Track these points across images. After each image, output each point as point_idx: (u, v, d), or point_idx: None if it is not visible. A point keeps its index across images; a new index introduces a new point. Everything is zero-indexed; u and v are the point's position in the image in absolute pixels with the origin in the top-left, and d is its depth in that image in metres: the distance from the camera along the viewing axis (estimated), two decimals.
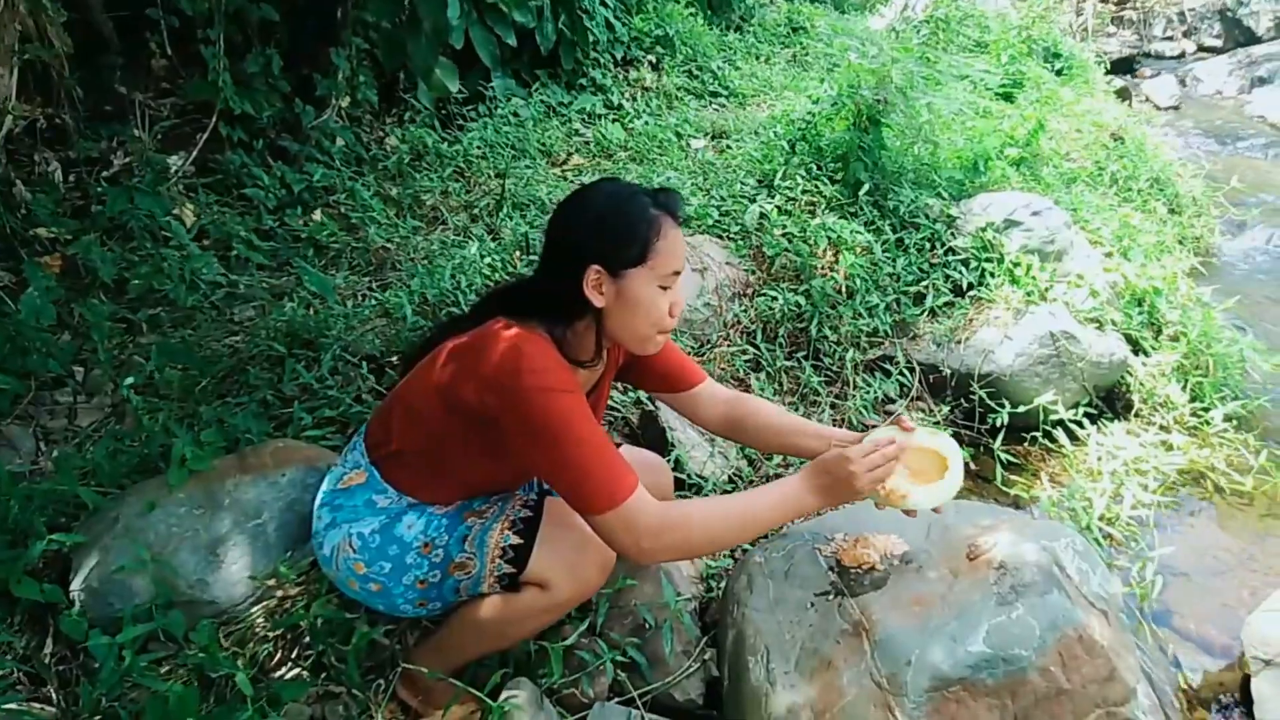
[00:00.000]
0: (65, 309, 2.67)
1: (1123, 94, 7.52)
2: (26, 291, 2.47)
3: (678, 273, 1.56)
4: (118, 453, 2.15)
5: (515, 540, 1.59)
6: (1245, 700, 2.11)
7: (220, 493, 1.94)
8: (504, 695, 1.70)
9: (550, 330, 1.54)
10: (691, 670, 1.86)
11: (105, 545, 1.83)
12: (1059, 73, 6.83)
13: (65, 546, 1.85)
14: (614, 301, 1.54)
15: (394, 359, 2.59)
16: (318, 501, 1.73)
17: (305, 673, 1.79)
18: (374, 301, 2.90)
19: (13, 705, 1.59)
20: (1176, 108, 8.17)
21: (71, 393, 2.47)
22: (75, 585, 1.80)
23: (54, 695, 1.70)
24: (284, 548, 1.90)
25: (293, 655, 1.82)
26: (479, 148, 4.13)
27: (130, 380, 2.41)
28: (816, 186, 3.61)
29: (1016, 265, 3.28)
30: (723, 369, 2.94)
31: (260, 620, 1.84)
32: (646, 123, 4.62)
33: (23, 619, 1.80)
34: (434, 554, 1.61)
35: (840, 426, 2.88)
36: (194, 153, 3.46)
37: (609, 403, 2.64)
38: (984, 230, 3.36)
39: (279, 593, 1.88)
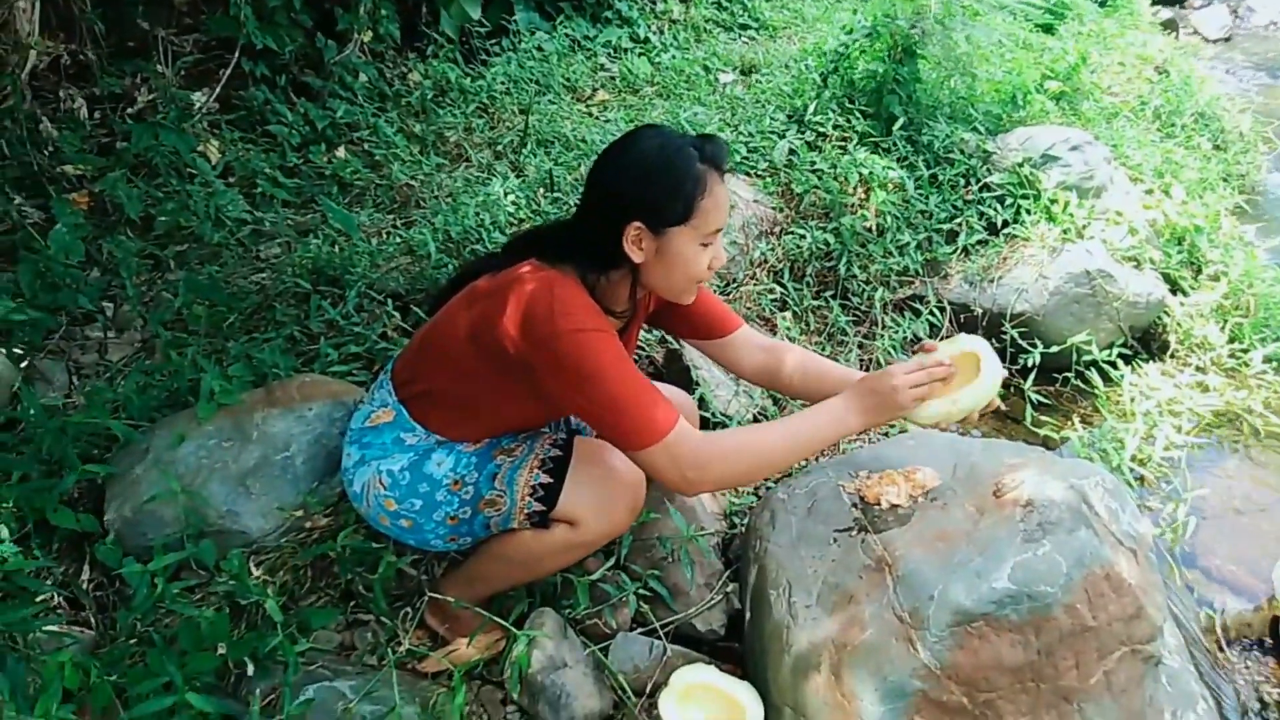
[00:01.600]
0: (93, 245, 2.70)
1: (1169, 25, 7.22)
2: (55, 228, 2.49)
3: (720, 230, 1.53)
4: (147, 387, 2.17)
5: (545, 479, 1.59)
6: (1274, 641, 2.09)
7: (249, 426, 1.96)
8: (528, 624, 1.73)
9: (583, 275, 1.52)
10: (714, 602, 1.87)
11: (137, 476, 1.86)
12: (1102, 4, 6.56)
13: (99, 477, 1.89)
14: (653, 257, 1.51)
15: (419, 296, 2.59)
16: (346, 438, 1.75)
17: (334, 601, 1.83)
18: (398, 239, 2.89)
19: (54, 628, 1.64)
20: (1227, 39, 7.84)
21: (102, 328, 2.50)
22: (109, 515, 1.84)
23: (92, 619, 1.76)
24: (311, 480, 1.93)
25: (321, 584, 1.85)
26: (503, 83, 4.06)
27: (160, 316, 2.43)
28: (848, 121, 3.51)
29: (1053, 202, 3.19)
30: (749, 308, 2.90)
31: (290, 550, 1.87)
32: (674, 56, 4.51)
33: (61, 546, 1.85)
34: (464, 491, 1.62)
35: (868, 367, 2.86)
36: (217, 89, 3.43)
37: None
38: (1021, 166, 3.27)
39: (307, 524, 1.91)
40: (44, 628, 1.60)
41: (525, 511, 1.60)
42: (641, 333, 2.67)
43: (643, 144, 1.51)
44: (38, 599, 1.71)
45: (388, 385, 1.71)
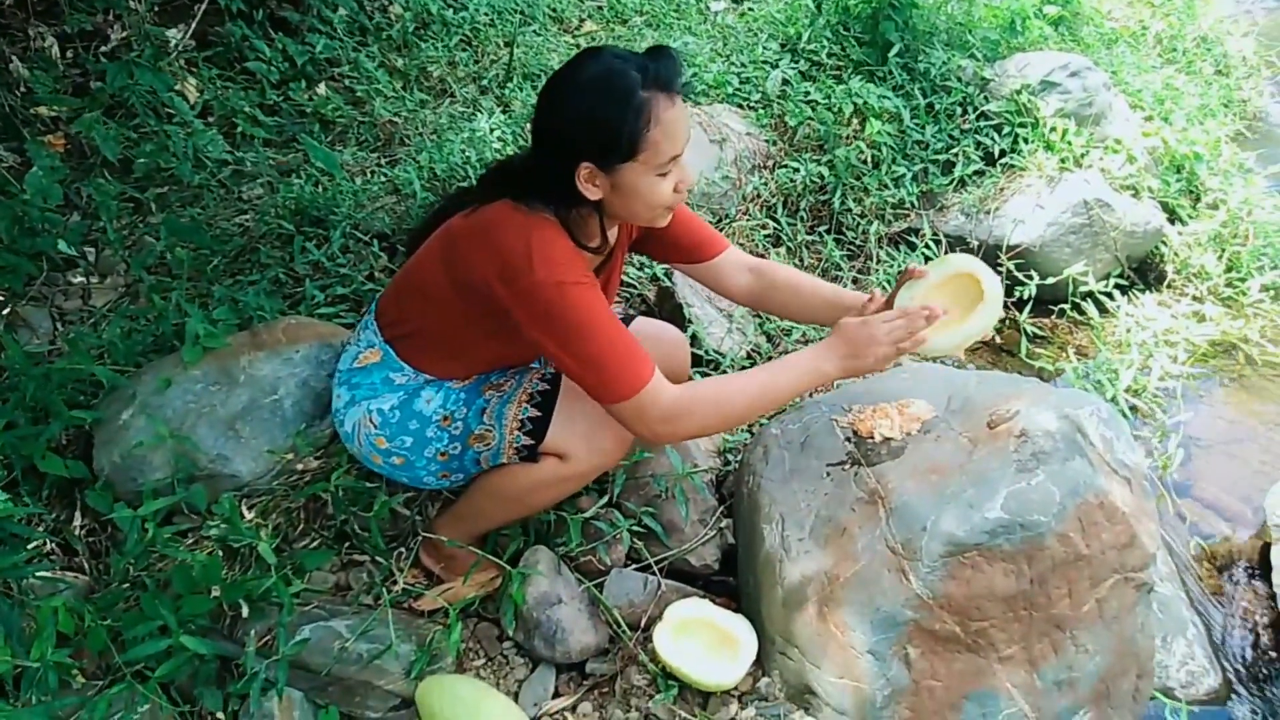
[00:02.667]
0: (71, 189, 2.63)
1: None
2: (31, 171, 2.43)
3: (677, 155, 1.44)
4: (132, 331, 2.14)
5: (533, 413, 1.58)
6: (1264, 568, 2.11)
7: (235, 369, 1.94)
8: (523, 562, 1.73)
9: (558, 213, 1.47)
10: (708, 538, 1.88)
11: (124, 422, 1.84)
12: None
13: (86, 423, 1.87)
14: (610, 193, 1.45)
15: (404, 236, 2.54)
16: (335, 380, 1.73)
17: (328, 542, 1.83)
18: (383, 178, 2.83)
19: (46, 573, 1.64)
20: None
21: (84, 273, 2.46)
22: (98, 461, 1.83)
23: (85, 565, 1.76)
24: (300, 422, 1.91)
25: (315, 526, 1.85)
26: (486, 14, 3.93)
27: (142, 260, 2.39)
28: (843, 49, 3.42)
29: (1052, 130, 3.13)
30: (741, 243, 2.86)
31: (281, 493, 1.86)
32: None
33: (50, 493, 1.84)
34: (453, 426, 1.61)
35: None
36: (193, 25, 3.32)
37: (623, 279, 2.59)
38: (1019, 93, 3.19)
39: (299, 466, 1.90)
40: (37, 573, 1.60)
41: (514, 446, 1.59)
42: (632, 270, 2.63)
43: (581, 77, 1.40)
44: (29, 545, 1.71)
45: (373, 325, 1.68)
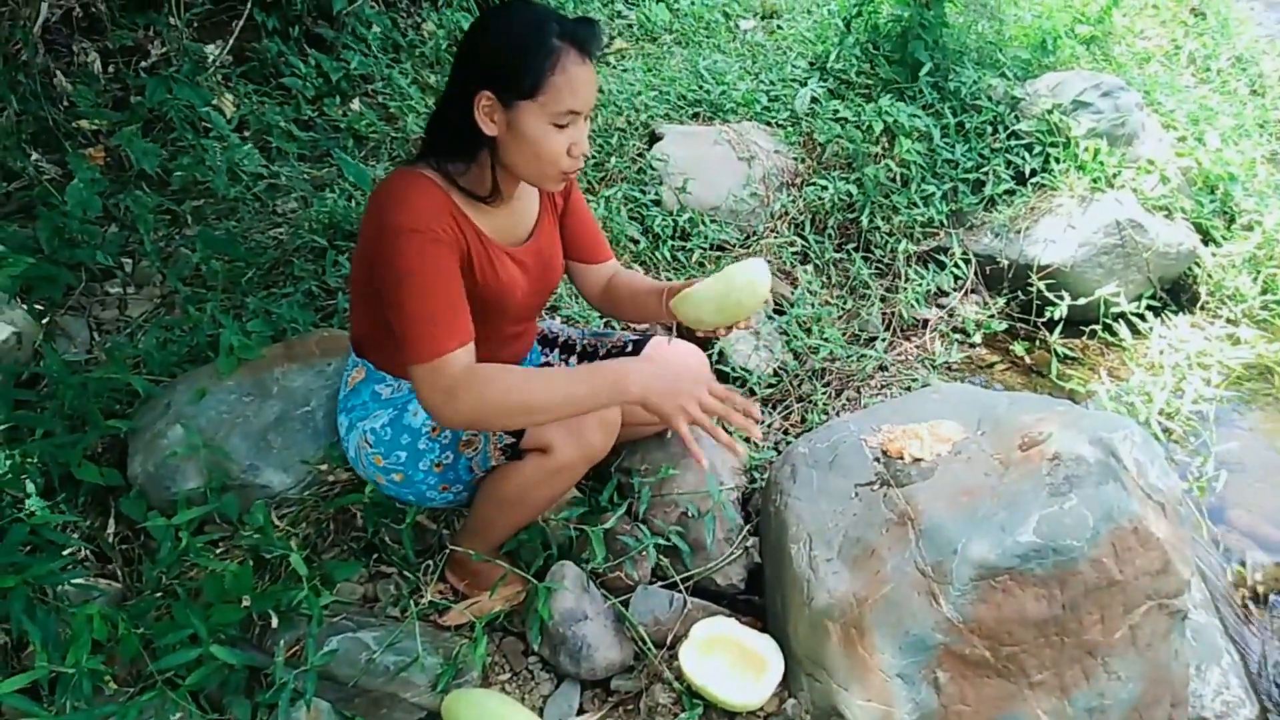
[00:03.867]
0: (110, 201, 2.68)
1: None
2: (72, 183, 2.48)
3: (576, 113, 1.43)
4: (167, 342, 2.18)
5: None
6: None
7: (269, 381, 1.96)
8: (549, 577, 1.73)
9: (444, 166, 1.49)
10: (734, 557, 1.87)
11: (159, 431, 1.87)
12: None
13: (121, 432, 1.90)
14: (505, 133, 1.45)
15: None
16: (338, 409, 1.76)
17: (355, 554, 1.84)
18: None
19: (81, 580, 1.66)
20: None
21: (121, 284, 2.50)
22: (132, 469, 1.86)
23: (119, 572, 1.78)
24: (331, 434, 1.93)
25: (343, 537, 1.86)
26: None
27: (178, 272, 2.43)
28: (872, 68, 3.42)
29: (1084, 150, 3.10)
30: (769, 261, 2.86)
31: (311, 503, 1.88)
32: (693, 3, 4.40)
33: (86, 501, 1.87)
34: (442, 436, 1.62)
35: (891, 321, 2.82)
36: (230, 41, 3.39)
37: None
38: (1050, 112, 3.18)
39: (330, 477, 1.92)
40: (72, 580, 1.63)
41: (498, 446, 1.60)
42: None
43: (504, 12, 1.44)
44: (65, 552, 1.73)
45: (350, 345, 1.72)
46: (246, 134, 3.13)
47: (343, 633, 1.62)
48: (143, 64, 3.24)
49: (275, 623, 1.60)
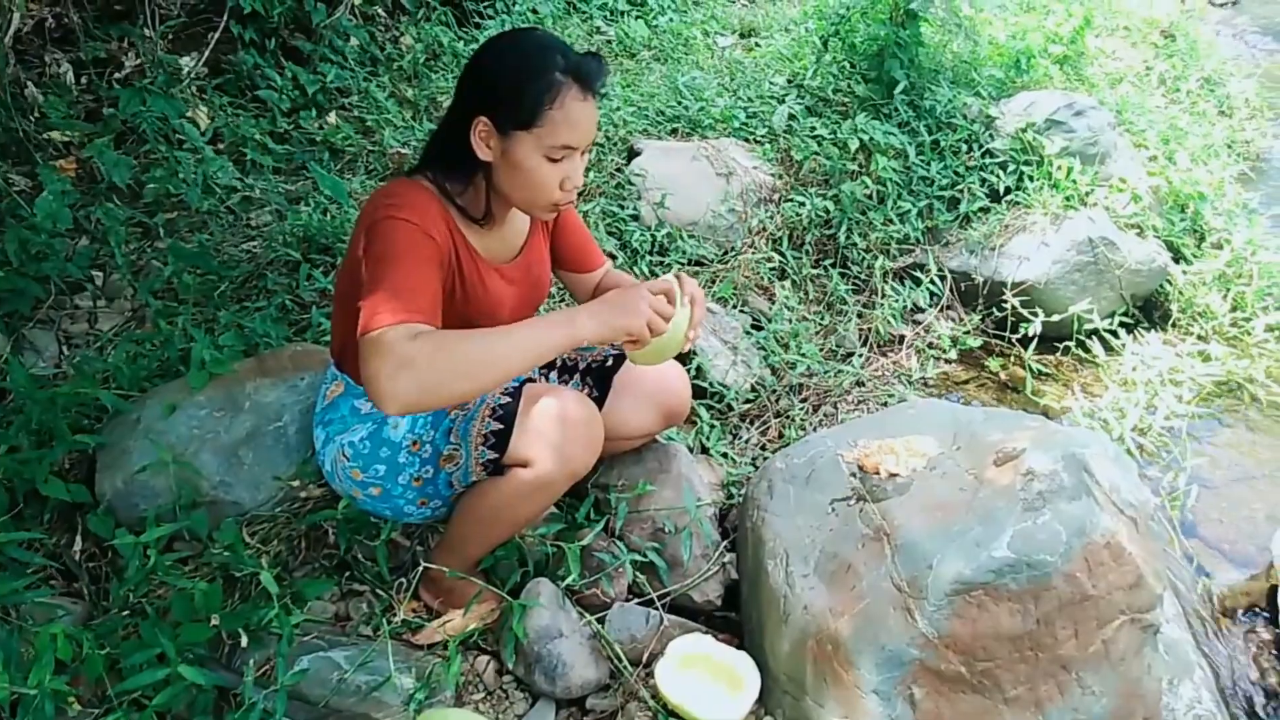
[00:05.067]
0: (81, 213, 2.65)
1: None
2: (42, 196, 2.45)
3: (571, 148, 1.43)
4: (138, 356, 2.15)
5: (496, 426, 1.56)
6: (1272, 610, 2.09)
7: (240, 396, 1.94)
8: (524, 594, 1.71)
9: (441, 181, 1.50)
10: (710, 573, 1.86)
11: (128, 447, 1.84)
12: None
13: (89, 448, 1.87)
14: (499, 160, 1.46)
15: None
16: (313, 422, 1.74)
17: (327, 571, 1.81)
18: None
19: (46, 599, 1.63)
20: (1235, 3, 7.73)
21: (91, 297, 2.46)
22: (100, 486, 1.83)
23: (85, 591, 1.74)
24: (304, 450, 1.91)
25: (315, 554, 1.84)
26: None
27: (149, 285, 2.40)
28: (849, 86, 3.46)
29: (1057, 168, 3.15)
30: (747, 277, 2.87)
31: (283, 520, 1.85)
32: (671, 20, 4.43)
33: (52, 518, 1.84)
34: (423, 450, 1.60)
35: (868, 337, 2.84)
36: (205, 53, 3.37)
37: None
38: (1024, 131, 3.22)
39: (302, 494, 1.90)
40: (36, 599, 1.59)
41: (480, 461, 1.58)
42: None
43: (511, 40, 1.45)
44: (29, 570, 1.70)
45: (330, 358, 1.71)
46: (221, 147, 3.10)
47: (314, 652, 1.60)
48: (116, 75, 3.20)
49: (245, 642, 1.57)
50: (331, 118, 3.39)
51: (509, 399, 1.58)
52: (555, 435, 1.54)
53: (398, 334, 1.28)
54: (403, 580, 1.80)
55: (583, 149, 1.47)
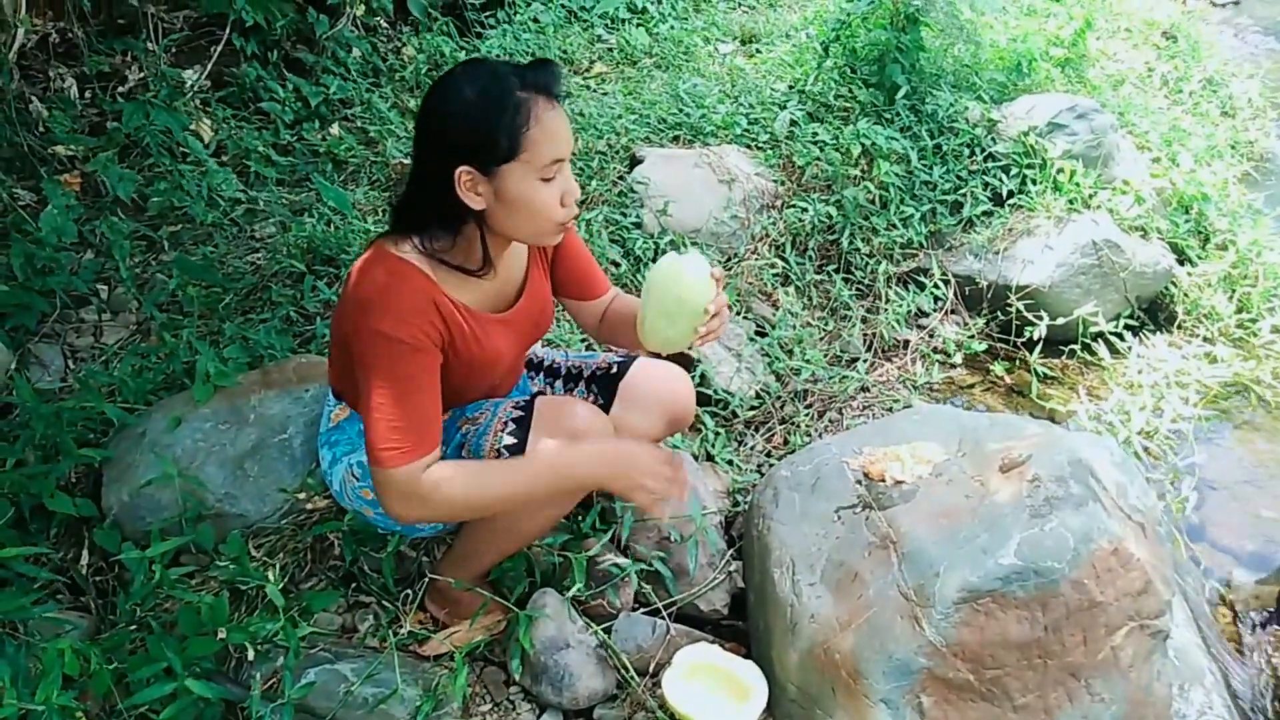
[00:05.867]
0: (86, 227, 2.66)
1: None
2: (46, 210, 2.47)
3: (560, 160, 1.40)
4: (143, 370, 2.16)
5: (509, 440, 1.54)
6: None
7: (245, 408, 1.94)
8: (530, 605, 1.71)
9: (430, 244, 1.45)
10: (716, 582, 1.86)
11: (133, 461, 1.85)
12: None
13: (95, 462, 1.88)
14: (493, 202, 1.40)
15: None
16: (319, 441, 1.74)
17: (333, 583, 1.81)
18: None
19: (53, 614, 1.63)
20: (1236, 3, 7.72)
21: (96, 311, 2.48)
22: (106, 499, 1.83)
23: (92, 605, 1.75)
24: (310, 461, 1.91)
25: (321, 566, 1.84)
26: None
27: (154, 298, 2.40)
28: (850, 91, 3.45)
29: (1059, 171, 3.14)
30: (750, 283, 2.87)
31: (289, 532, 1.86)
32: (673, 27, 4.44)
33: (59, 532, 1.84)
34: None
35: (872, 342, 2.83)
36: (209, 66, 3.38)
37: None
38: (1026, 135, 3.21)
39: (308, 505, 1.90)
40: (43, 614, 1.59)
41: None
42: None
43: (459, 80, 1.38)
44: (36, 585, 1.70)
45: (330, 384, 1.71)
46: (224, 159, 3.12)
47: (320, 664, 1.60)
48: (120, 89, 3.22)
49: (251, 655, 1.57)
50: (334, 129, 3.40)
51: (522, 412, 1.57)
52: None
53: (409, 473, 1.38)
54: (409, 592, 1.80)
55: (568, 157, 1.43)
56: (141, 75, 3.25)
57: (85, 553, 1.82)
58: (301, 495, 1.89)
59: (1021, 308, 2.91)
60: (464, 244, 1.47)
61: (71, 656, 1.44)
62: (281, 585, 1.71)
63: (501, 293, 1.60)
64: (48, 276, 2.37)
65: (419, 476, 1.38)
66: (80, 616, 1.70)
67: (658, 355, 1.78)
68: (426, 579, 1.76)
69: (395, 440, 1.37)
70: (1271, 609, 2.12)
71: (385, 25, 4.06)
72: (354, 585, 1.83)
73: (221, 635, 1.55)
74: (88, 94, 3.18)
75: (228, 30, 3.37)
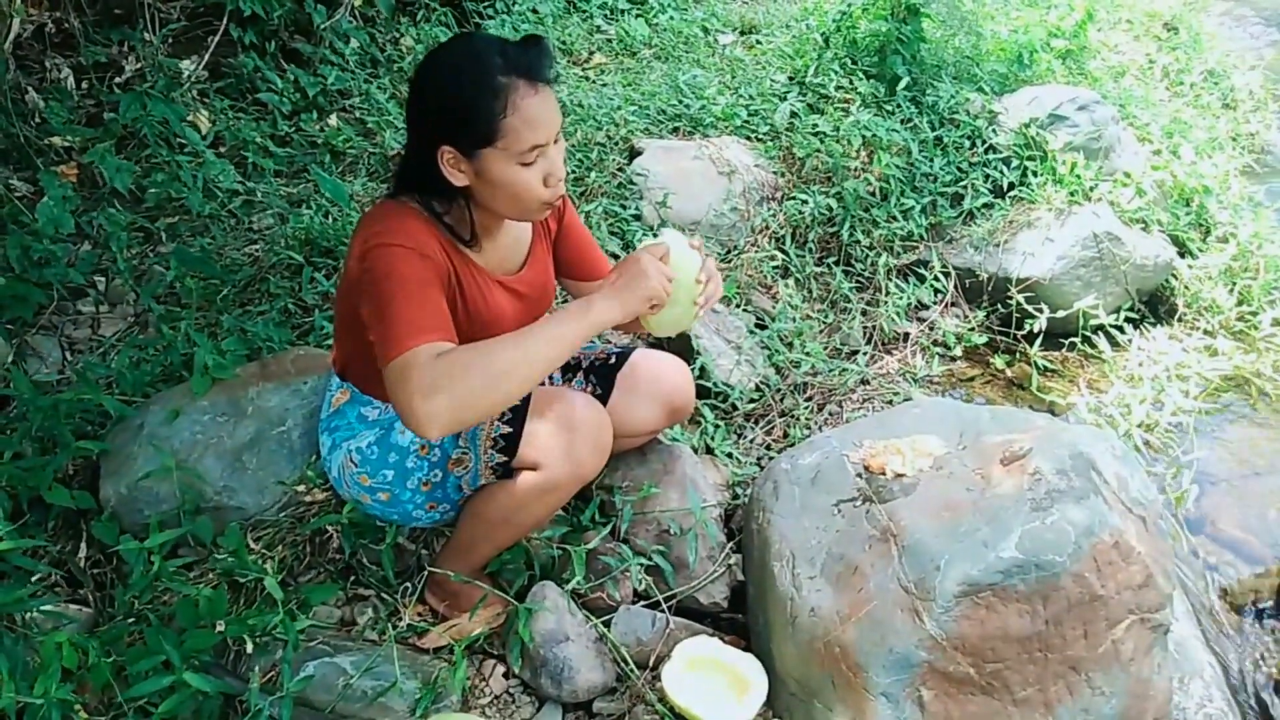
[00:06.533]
0: (83, 218, 2.65)
1: None
2: (43, 201, 2.45)
3: (539, 147, 1.39)
4: (141, 361, 2.15)
5: (505, 429, 1.55)
6: None
7: (244, 400, 1.93)
8: (530, 598, 1.71)
9: (426, 204, 1.47)
10: (717, 575, 1.85)
11: (131, 453, 1.84)
12: None
13: (93, 454, 1.87)
14: (475, 181, 1.42)
15: None
16: (319, 428, 1.73)
17: (332, 576, 1.81)
18: None
19: (51, 607, 1.63)
20: None
21: (94, 302, 2.47)
22: (104, 492, 1.82)
23: (90, 598, 1.74)
24: (308, 454, 1.90)
25: (320, 559, 1.84)
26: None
27: (152, 290, 2.39)
28: (851, 82, 3.44)
29: (1060, 163, 3.13)
30: (750, 275, 2.86)
31: (287, 525, 1.85)
32: (672, 18, 4.41)
33: (57, 524, 1.84)
34: (431, 454, 1.59)
35: (872, 334, 2.83)
36: (206, 56, 3.36)
37: None
38: (1027, 126, 3.20)
39: (306, 498, 1.89)
40: (41, 607, 1.59)
41: (489, 465, 1.58)
42: None
43: (442, 58, 1.39)
44: (34, 578, 1.70)
45: (333, 367, 1.70)
46: (222, 150, 3.10)
47: (319, 657, 1.59)
48: (117, 80, 3.20)
49: (250, 648, 1.57)
50: (333, 120, 3.38)
51: (518, 401, 1.56)
52: (564, 438, 1.54)
53: (419, 357, 1.28)
54: (408, 584, 1.79)
55: (552, 140, 1.42)
56: (138, 66, 3.23)
57: (83, 545, 1.81)
58: (300, 488, 1.88)
59: (1022, 300, 2.90)
60: (457, 212, 1.49)
61: (70, 649, 1.43)
62: (280, 578, 1.70)
63: (507, 258, 1.62)
64: (44, 268, 2.36)
65: (428, 361, 1.28)
66: (78, 609, 1.70)
67: (665, 340, 1.77)
68: (426, 572, 1.75)
69: (400, 331, 1.31)
70: (1271, 602, 2.12)
71: (383, 15, 4.03)
72: (353, 578, 1.82)
73: (220, 628, 1.55)
74: (84, 84, 3.16)
75: (225, 20, 3.35)
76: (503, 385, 1.31)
